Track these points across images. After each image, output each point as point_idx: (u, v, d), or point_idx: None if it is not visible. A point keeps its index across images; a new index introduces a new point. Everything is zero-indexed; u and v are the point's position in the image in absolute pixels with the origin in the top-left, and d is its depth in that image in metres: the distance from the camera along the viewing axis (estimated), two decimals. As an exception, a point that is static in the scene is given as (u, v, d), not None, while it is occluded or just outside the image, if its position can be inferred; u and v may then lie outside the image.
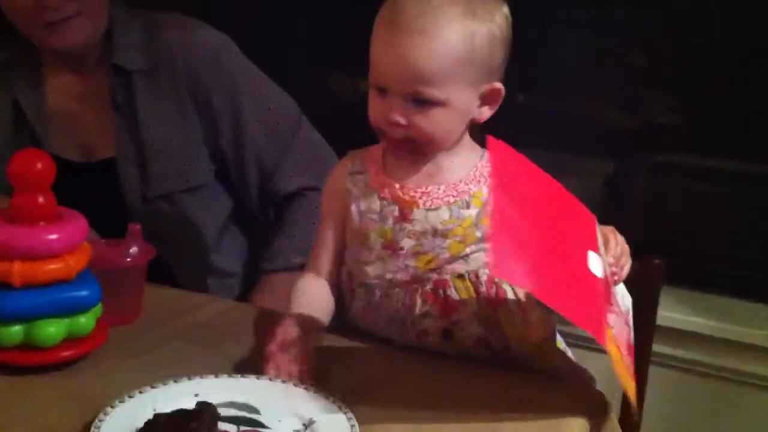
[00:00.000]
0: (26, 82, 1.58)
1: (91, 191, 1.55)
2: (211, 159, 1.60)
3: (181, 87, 1.56)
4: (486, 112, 1.17)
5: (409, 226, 1.16)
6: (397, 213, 1.17)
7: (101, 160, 1.58)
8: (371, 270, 1.19)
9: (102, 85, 1.58)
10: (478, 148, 1.21)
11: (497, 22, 1.13)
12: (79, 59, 1.57)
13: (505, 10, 1.15)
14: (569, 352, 1.29)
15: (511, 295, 1.18)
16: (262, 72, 1.62)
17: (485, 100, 1.16)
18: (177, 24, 1.60)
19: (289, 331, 1.11)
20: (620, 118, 2.16)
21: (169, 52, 1.56)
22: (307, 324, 1.14)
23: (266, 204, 1.64)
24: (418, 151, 1.16)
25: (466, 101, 1.14)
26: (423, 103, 1.11)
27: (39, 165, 1.09)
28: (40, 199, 1.10)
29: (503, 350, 1.19)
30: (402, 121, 1.12)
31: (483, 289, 1.17)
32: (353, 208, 1.20)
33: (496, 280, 1.17)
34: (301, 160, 1.61)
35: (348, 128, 2.29)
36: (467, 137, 1.21)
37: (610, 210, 2.17)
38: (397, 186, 1.18)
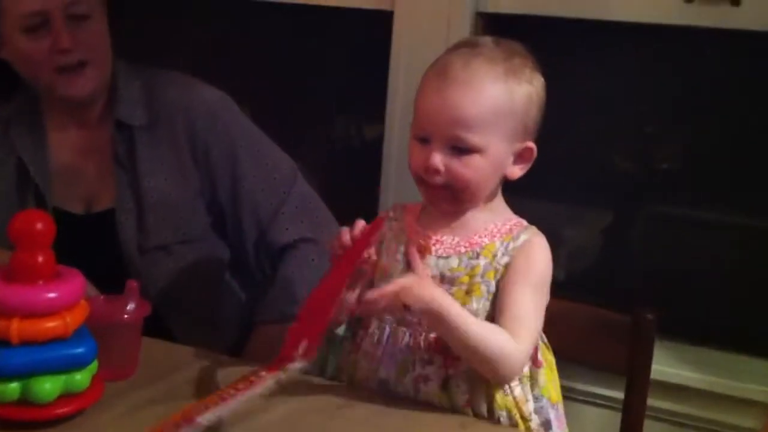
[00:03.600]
0: (28, 139, 1.62)
1: (91, 242, 1.57)
2: (208, 211, 1.63)
3: (180, 143, 1.59)
4: (517, 171, 1.24)
5: None
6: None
7: (100, 211, 1.61)
8: None
9: (103, 138, 1.61)
10: (507, 211, 1.29)
11: (535, 85, 1.22)
12: (82, 112, 1.61)
13: (541, 78, 1.24)
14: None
15: None
16: (258, 128, 1.66)
17: (518, 158, 1.23)
18: (175, 82, 1.64)
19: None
20: (622, 168, 2.18)
21: (169, 110, 1.60)
22: None
23: (261, 256, 1.66)
24: (454, 198, 1.22)
25: (501, 153, 1.21)
26: (462, 151, 1.19)
27: (39, 225, 1.11)
28: (40, 259, 1.12)
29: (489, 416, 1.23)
30: (440, 166, 1.19)
31: None
32: (384, 248, 1.27)
33: None
34: (295, 213, 1.64)
35: (352, 173, 2.33)
36: (500, 199, 1.28)
37: (606, 260, 2.18)
38: (420, 233, 1.25)
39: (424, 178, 1.21)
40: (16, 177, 1.61)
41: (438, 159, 1.19)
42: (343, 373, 1.31)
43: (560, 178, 2.12)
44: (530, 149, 1.24)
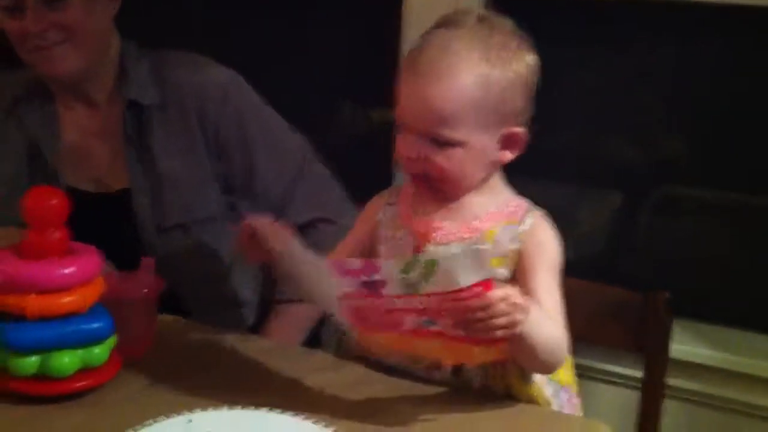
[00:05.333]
0: (40, 118, 1.62)
1: (107, 221, 1.58)
2: (223, 192, 1.63)
3: (192, 124, 1.59)
4: (508, 155, 1.19)
5: None
6: (413, 245, 1.20)
7: (117, 191, 1.61)
8: None
9: (115, 119, 1.61)
10: (506, 191, 1.24)
11: (514, 68, 1.15)
12: (85, 92, 1.60)
13: (528, 58, 1.17)
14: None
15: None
16: (270, 107, 1.65)
17: (505, 143, 1.18)
18: (185, 63, 1.63)
19: None
20: (629, 151, 2.17)
21: (179, 91, 1.59)
22: None
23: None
24: (434, 188, 1.18)
25: (483, 143, 1.16)
26: (441, 143, 1.14)
27: (54, 201, 1.13)
28: (55, 235, 1.13)
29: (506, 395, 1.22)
30: (416, 156, 1.15)
31: None
32: (382, 234, 1.24)
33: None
34: (309, 193, 1.63)
35: (360, 157, 2.33)
36: (497, 179, 1.23)
37: (618, 243, 2.18)
38: (416, 220, 1.22)
39: (404, 164, 1.18)
40: (29, 155, 1.61)
41: (414, 149, 1.15)
42: (355, 352, 1.29)
43: (571, 161, 2.11)
44: (516, 134, 1.17)
